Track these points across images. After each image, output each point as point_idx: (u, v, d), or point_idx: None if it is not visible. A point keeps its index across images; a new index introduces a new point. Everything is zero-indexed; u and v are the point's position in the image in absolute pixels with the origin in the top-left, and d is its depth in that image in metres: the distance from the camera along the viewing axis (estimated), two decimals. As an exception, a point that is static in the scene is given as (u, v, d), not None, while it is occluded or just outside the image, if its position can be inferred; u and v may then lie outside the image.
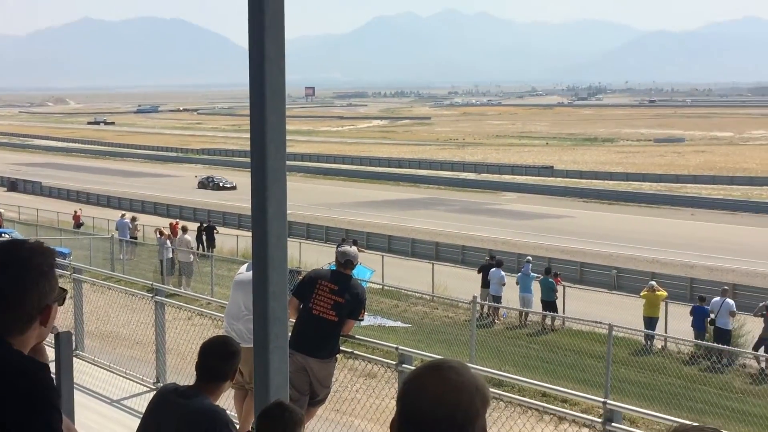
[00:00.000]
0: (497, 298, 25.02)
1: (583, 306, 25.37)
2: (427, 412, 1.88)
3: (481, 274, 25.98)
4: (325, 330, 7.28)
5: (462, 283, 27.29)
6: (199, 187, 75.08)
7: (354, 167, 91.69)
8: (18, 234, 26.21)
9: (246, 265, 8.20)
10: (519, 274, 25.57)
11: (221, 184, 74.53)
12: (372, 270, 26.67)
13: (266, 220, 3.80)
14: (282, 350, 4.00)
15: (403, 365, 7.58)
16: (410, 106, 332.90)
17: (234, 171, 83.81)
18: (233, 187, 72.75)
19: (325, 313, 7.27)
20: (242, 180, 72.25)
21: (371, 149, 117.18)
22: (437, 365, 1.98)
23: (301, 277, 8.30)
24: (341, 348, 7.56)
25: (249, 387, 7.20)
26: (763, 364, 20.27)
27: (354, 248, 8.12)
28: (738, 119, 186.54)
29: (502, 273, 25.30)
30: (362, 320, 7.96)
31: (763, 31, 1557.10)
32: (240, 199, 58.58)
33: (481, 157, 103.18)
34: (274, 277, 3.90)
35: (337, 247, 8.27)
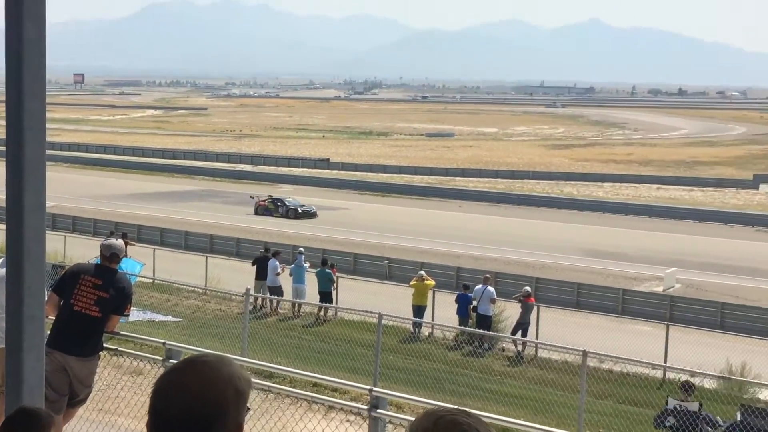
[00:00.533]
0: (275, 289, 25.14)
1: (356, 296, 25.98)
2: (176, 408, 1.84)
3: (255, 266, 25.96)
4: (88, 327, 7.05)
5: (236, 276, 27.16)
6: (258, 213, 52.62)
7: (126, 158, 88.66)
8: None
9: (1, 260, 7.81)
10: (292, 265, 25.79)
11: (299, 210, 51.93)
12: (142, 264, 25.94)
13: (22, 212, 3.65)
14: (38, 349, 3.86)
15: (171, 360, 7.51)
16: (186, 96, 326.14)
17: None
18: (314, 214, 52.66)
19: (87, 309, 7.04)
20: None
21: (145, 139, 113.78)
22: (191, 360, 1.96)
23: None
24: (106, 345, 7.37)
25: (1, 390, 6.87)
26: (519, 347, 21.64)
27: (120, 241, 7.92)
28: (502, 116, 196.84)
29: (277, 263, 25.44)
30: (128, 315, 7.78)
31: (524, 33, 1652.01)
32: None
33: (258, 149, 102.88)
34: (30, 272, 3.76)
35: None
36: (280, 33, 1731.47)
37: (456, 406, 1.82)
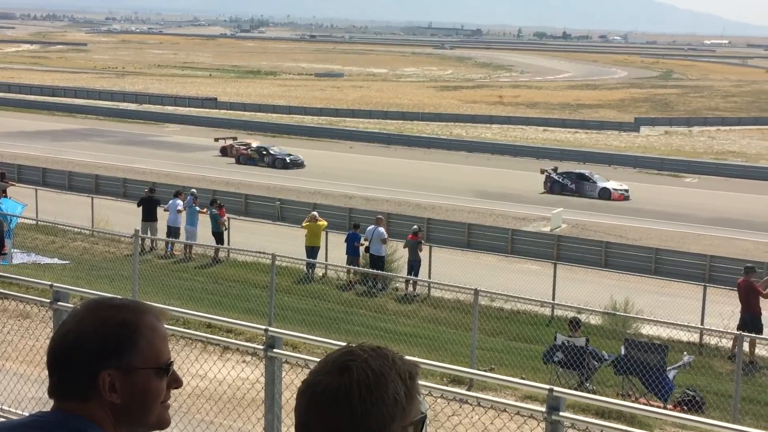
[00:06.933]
0: (175, 230, 24.77)
1: (248, 237, 25.72)
2: (58, 340, 1.79)
3: (141, 207, 25.38)
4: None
5: (124, 217, 26.44)
6: (240, 162, 48.39)
7: (2, 95, 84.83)
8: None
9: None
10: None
11: (288, 160, 47.75)
12: (24, 204, 25.00)
13: None
14: None
15: (59, 303, 7.18)
16: (64, 30, 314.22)
17: None
18: (302, 163, 48.33)
19: (-37, 250, 6.67)
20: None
21: (21, 76, 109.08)
22: (94, 300, 1.87)
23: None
24: (-11, 288, 7.01)
25: None
26: (411, 287, 21.83)
27: None
28: (392, 56, 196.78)
29: (179, 201, 25.06)
30: (5, 254, 7.40)
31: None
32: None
33: (142, 87, 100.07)
34: None
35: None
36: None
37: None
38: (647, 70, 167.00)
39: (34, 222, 25.24)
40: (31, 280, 8.29)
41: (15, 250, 19.28)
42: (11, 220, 18.18)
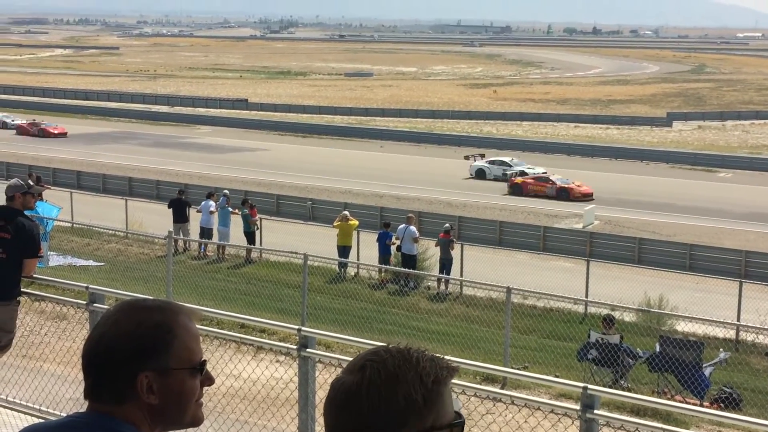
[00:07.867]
0: (208, 231, 24.91)
1: (280, 237, 25.82)
2: (95, 340, 1.80)
3: (171, 209, 25.56)
4: (-3, 269, 6.75)
5: (157, 218, 26.65)
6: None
7: (36, 99, 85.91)
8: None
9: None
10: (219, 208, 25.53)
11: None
12: (59, 207, 25.27)
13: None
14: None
15: (95, 305, 7.26)
16: (96, 34, 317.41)
17: None
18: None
19: (-8, 251, 6.73)
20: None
21: (55, 80, 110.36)
22: (128, 302, 1.89)
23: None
24: (26, 290, 7.08)
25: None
26: (443, 286, 21.79)
27: (15, 180, 7.58)
28: (421, 55, 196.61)
29: (212, 202, 25.22)
30: (42, 257, 7.47)
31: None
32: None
33: (173, 90, 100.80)
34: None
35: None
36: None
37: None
38: (679, 65, 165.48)
39: (70, 225, 25.52)
40: (68, 282, 8.37)
41: (51, 253, 19.52)
42: (47, 222, 18.41)
